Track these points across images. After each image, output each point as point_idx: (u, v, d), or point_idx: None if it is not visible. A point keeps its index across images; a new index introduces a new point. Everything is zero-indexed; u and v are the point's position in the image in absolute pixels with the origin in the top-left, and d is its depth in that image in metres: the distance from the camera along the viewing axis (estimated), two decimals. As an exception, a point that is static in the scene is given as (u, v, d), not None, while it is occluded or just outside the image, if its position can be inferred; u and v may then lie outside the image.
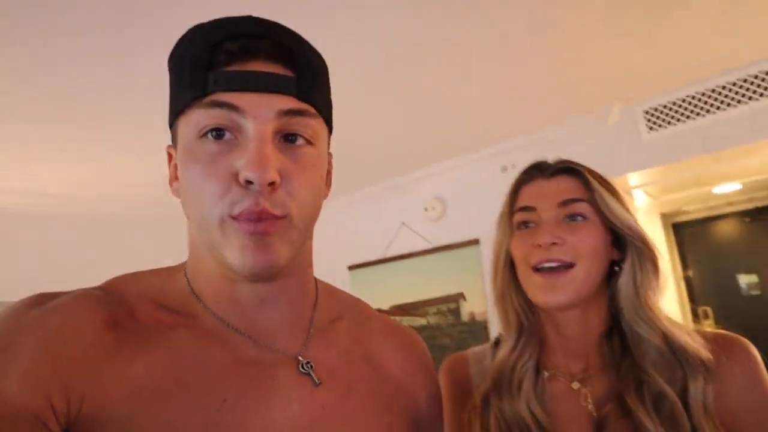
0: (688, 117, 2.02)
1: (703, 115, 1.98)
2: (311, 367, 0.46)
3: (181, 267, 0.50)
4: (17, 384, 0.35)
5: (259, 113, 0.39)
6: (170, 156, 0.47)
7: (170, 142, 0.47)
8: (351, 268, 3.24)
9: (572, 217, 0.61)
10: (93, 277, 0.52)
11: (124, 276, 0.47)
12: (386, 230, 3.08)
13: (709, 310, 3.84)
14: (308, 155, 0.43)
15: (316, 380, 0.46)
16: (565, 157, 0.70)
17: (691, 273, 3.98)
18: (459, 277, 2.70)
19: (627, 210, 0.63)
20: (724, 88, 1.94)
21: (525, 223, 0.64)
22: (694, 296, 3.93)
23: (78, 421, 0.37)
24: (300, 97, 0.41)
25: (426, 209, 2.83)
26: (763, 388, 0.57)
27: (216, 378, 0.41)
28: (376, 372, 0.51)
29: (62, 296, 0.42)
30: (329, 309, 0.53)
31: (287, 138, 0.41)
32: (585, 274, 0.59)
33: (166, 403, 0.39)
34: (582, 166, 0.66)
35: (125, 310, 0.42)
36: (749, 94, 1.89)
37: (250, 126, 0.39)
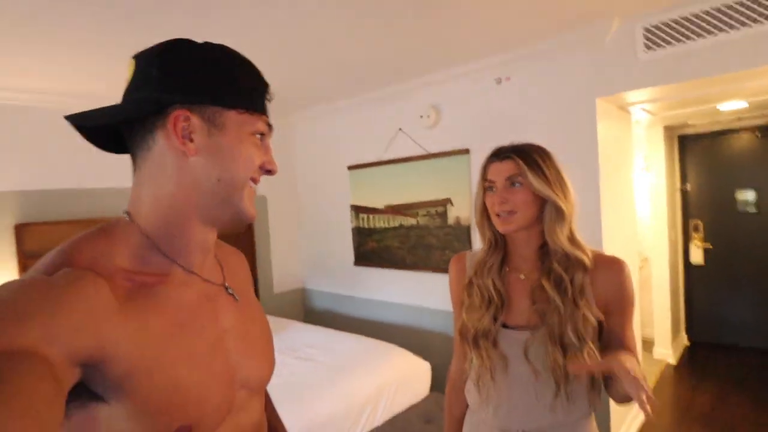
0: (687, 38, 1.92)
1: (704, 37, 1.89)
2: (232, 290, 0.69)
3: (123, 228, 0.58)
4: (39, 333, 0.42)
5: (271, 131, 0.66)
6: (178, 118, 0.56)
7: (178, 107, 0.57)
8: (350, 168, 3.41)
9: (513, 184, 0.99)
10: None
11: (72, 250, 0.52)
12: (384, 135, 3.18)
13: (700, 223, 3.96)
14: None
15: (237, 297, 0.69)
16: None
17: (689, 186, 4.01)
18: (448, 183, 2.85)
19: (544, 179, 0.97)
20: (729, 8, 1.81)
21: (490, 188, 1.03)
22: (688, 209, 4.02)
23: (96, 364, 0.47)
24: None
25: (422, 116, 2.88)
26: (624, 289, 0.97)
27: (194, 312, 0.60)
28: (245, 282, 0.77)
29: (63, 272, 0.49)
30: (216, 247, 0.73)
31: None
32: (522, 216, 0.98)
33: (170, 338, 0.55)
34: (520, 151, 1.00)
35: (108, 281, 0.52)
36: (754, 15, 1.78)
37: (268, 139, 0.65)
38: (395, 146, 3.12)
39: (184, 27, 1.84)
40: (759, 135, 3.63)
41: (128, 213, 0.59)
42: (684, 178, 4.01)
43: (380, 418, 2.22)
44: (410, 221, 3.08)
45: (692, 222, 3.98)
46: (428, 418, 2.25)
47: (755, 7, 1.77)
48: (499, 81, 2.53)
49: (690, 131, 3.90)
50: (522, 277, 1.03)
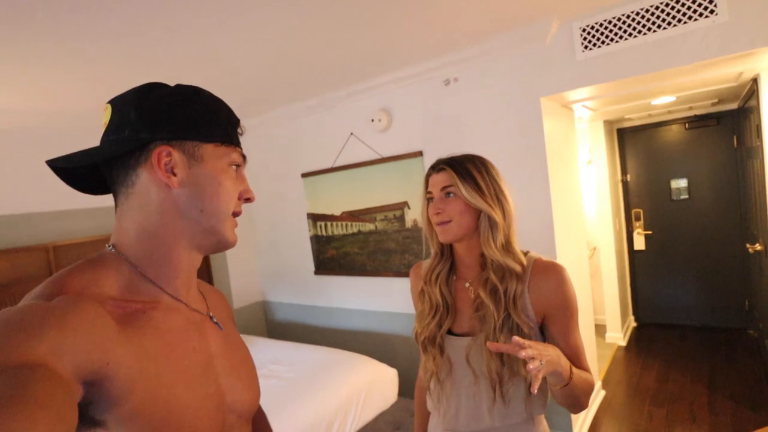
0: (620, 38, 2.03)
1: (635, 36, 2.00)
2: (216, 319, 0.72)
3: (110, 259, 0.60)
4: (48, 348, 0.43)
5: (245, 163, 0.71)
6: (161, 154, 0.60)
7: (160, 143, 0.60)
8: (304, 175, 3.35)
9: (447, 195, 1.02)
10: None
11: (65, 280, 0.55)
12: (337, 140, 3.14)
13: (641, 212, 4.21)
14: None
15: (221, 327, 0.72)
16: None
17: (629, 177, 4.25)
18: (404, 186, 2.85)
19: (476, 190, 0.99)
20: (656, 8, 1.93)
21: (430, 199, 1.06)
22: (630, 199, 4.26)
23: (100, 381, 0.48)
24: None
25: (373, 120, 2.86)
26: (562, 294, 0.97)
27: (184, 336, 0.63)
28: (228, 318, 0.80)
29: (61, 298, 0.51)
30: (198, 283, 0.77)
31: None
32: (458, 224, 1.00)
33: (166, 360, 0.58)
34: (454, 162, 1.03)
35: (102, 306, 0.53)
36: (679, 16, 1.90)
37: (243, 169, 0.69)
38: (348, 151, 3.09)
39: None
40: (687, 126, 3.91)
41: (113, 245, 0.62)
42: (624, 170, 4.24)
43: (350, 428, 2.18)
44: (368, 227, 3.06)
45: (634, 211, 4.22)
46: (397, 424, 2.23)
47: (679, 8, 1.89)
48: (447, 82, 2.56)
49: (627, 125, 4.14)
50: (467, 285, 1.05)
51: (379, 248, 3.03)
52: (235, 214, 0.67)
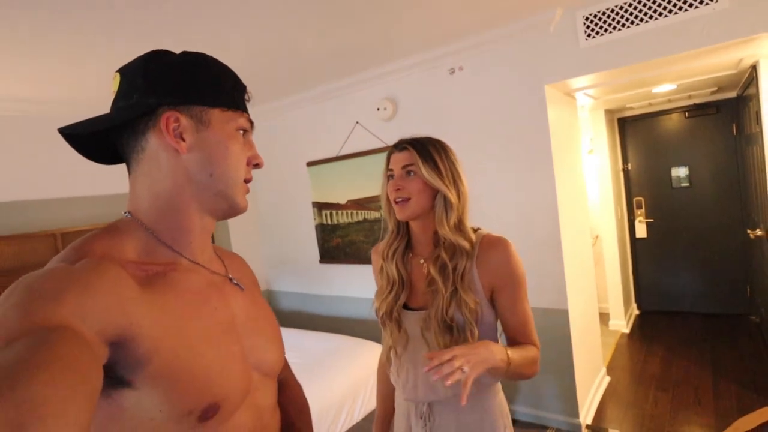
0: (623, 26, 2.06)
1: (637, 24, 2.03)
2: (236, 280, 0.73)
3: (127, 225, 0.61)
4: (71, 311, 0.44)
5: (253, 129, 0.70)
6: (169, 119, 0.60)
7: (169, 109, 0.61)
8: (309, 164, 3.38)
9: (408, 173, 1.06)
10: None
11: (86, 245, 0.56)
12: (342, 129, 3.17)
13: (642, 200, 4.24)
14: None
15: (242, 287, 0.73)
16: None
17: (630, 165, 4.29)
18: (409, 175, 2.89)
19: (435, 171, 1.03)
20: (658, -5, 1.96)
21: (390, 176, 1.09)
22: (631, 187, 4.29)
23: (124, 342, 0.49)
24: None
25: (378, 109, 2.90)
26: (508, 266, 1.02)
27: (205, 296, 0.64)
28: (250, 281, 0.80)
29: (83, 261, 0.52)
30: (217, 249, 0.78)
31: None
32: (415, 203, 1.04)
33: (188, 319, 0.59)
34: (416, 143, 1.06)
35: (123, 269, 0.54)
36: (680, 3, 1.93)
37: (250, 135, 0.70)
38: (353, 140, 3.12)
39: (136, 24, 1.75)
40: (687, 115, 3.94)
41: (129, 212, 0.63)
42: (625, 158, 4.28)
43: (359, 413, 2.23)
44: (374, 214, 3.10)
45: (635, 199, 4.26)
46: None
47: (681, -6, 1.92)
48: (452, 71, 2.59)
49: (628, 114, 4.17)
50: (422, 261, 1.09)
51: (385, 236, 3.06)
52: (246, 181, 0.67)
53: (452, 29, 2.30)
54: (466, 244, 1.02)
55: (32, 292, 0.44)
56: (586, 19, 2.14)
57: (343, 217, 3.28)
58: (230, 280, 0.71)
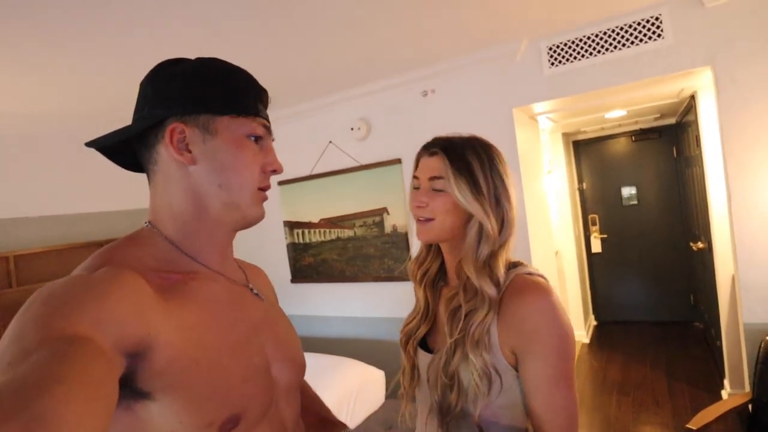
0: (582, 56, 2.26)
1: (595, 55, 2.23)
2: (256, 290, 0.72)
3: (147, 235, 0.62)
4: (88, 321, 0.43)
5: (270, 134, 0.67)
6: (174, 131, 0.59)
7: (175, 120, 0.60)
8: (281, 183, 3.37)
9: (435, 187, 0.82)
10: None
11: (107, 254, 0.56)
12: (315, 148, 3.20)
13: (596, 217, 4.53)
14: None
15: (263, 298, 0.72)
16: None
17: (585, 185, 4.58)
18: (383, 193, 2.95)
19: (472, 188, 0.79)
20: (613, 32, 2.17)
21: (415, 186, 0.87)
22: (586, 205, 4.58)
23: (142, 352, 0.48)
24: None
25: (353, 129, 2.96)
26: (538, 326, 0.72)
27: (226, 306, 0.63)
28: (270, 293, 0.79)
29: (103, 269, 0.51)
30: (237, 260, 0.78)
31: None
32: (440, 225, 0.82)
33: (208, 328, 0.58)
34: (451, 147, 0.82)
35: (143, 277, 0.53)
36: (632, 39, 2.15)
37: (269, 140, 0.66)
38: (327, 159, 3.16)
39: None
40: (633, 138, 4.29)
41: (149, 222, 0.63)
42: (580, 178, 4.57)
43: None
44: (347, 233, 3.12)
45: (590, 216, 4.54)
46: (389, 424, 2.29)
47: (632, 32, 2.14)
48: (425, 93, 2.71)
49: (581, 137, 4.48)
50: (445, 291, 0.89)
51: (358, 254, 3.09)
52: (263, 189, 0.64)
53: (425, 54, 2.42)
54: (491, 291, 0.76)
55: (50, 303, 0.44)
56: (550, 49, 2.32)
57: (315, 236, 3.28)
58: (251, 290, 0.70)
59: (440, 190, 0.81)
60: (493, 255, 0.79)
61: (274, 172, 0.65)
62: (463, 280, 0.81)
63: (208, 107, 0.60)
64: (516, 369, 0.75)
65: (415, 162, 0.88)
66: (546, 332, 0.71)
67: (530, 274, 0.78)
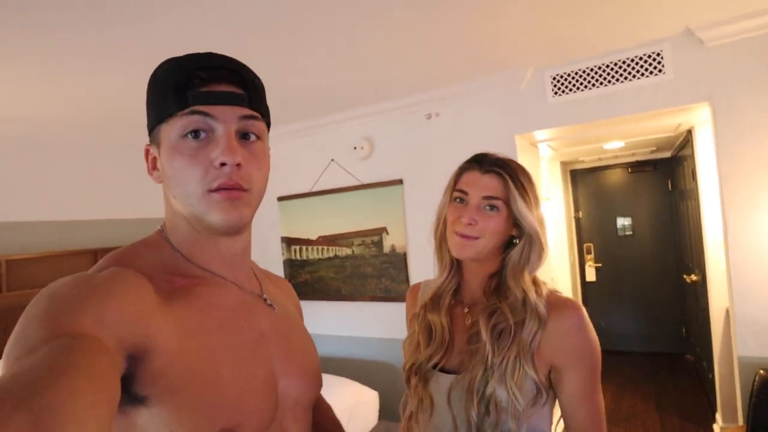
0: (586, 87, 2.32)
1: (598, 87, 2.29)
2: (270, 301, 0.69)
3: (157, 240, 0.62)
4: (91, 319, 0.44)
5: (225, 118, 0.55)
6: (147, 152, 0.62)
7: (148, 142, 0.62)
8: (280, 198, 3.37)
9: (489, 207, 0.83)
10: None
11: (117, 255, 0.57)
12: (316, 165, 3.21)
13: (592, 246, 4.57)
14: (259, 148, 0.60)
15: (276, 308, 0.69)
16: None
17: (581, 214, 4.63)
18: (383, 212, 2.95)
19: (531, 207, 0.83)
20: (616, 65, 2.24)
21: (460, 199, 0.87)
22: (582, 234, 4.62)
23: (140, 354, 0.47)
24: (251, 107, 0.58)
25: (356, 148, 2.98)
26: (582, 343, 0.78)
27: (232, 314, 0.61)
28: (292, 306, 0.78)
29: (108, 270, 0.52)
30: (260, 271, 0.77)
31: (243, 136, 0.58)
32: (485, 244, 0.84)
33: (210, 335, 0.56)
34: (509, 168, 0.85)
35: (149, 280, 0.54)
36: (634, 72, 2.22)
37: (220, 127, 0.55)
38: (328, 177, 3.17)
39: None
40: (629, 170, 4.37)
41: (162, 227, 0.64)
42: (577, 207, 4.63)
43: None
44: (345, 251, 3.11)
45: (585, 245, 4.58)
46: (380, 446, 2.23)
47: (635, 66, 2.21)
48: (429, 116, 2.75)
49: (579, 166, 4.55)
50: (465, 310, 0.88)
51: (356, 273, 3.08)
52: (218, 189, 0.54)
53: (431, 78, 2.47)
54: (542, 306, 0.79)
55: (54, 301, 0.44)
56: (554, 78, 2.38)
57: (313, 253, 3.26)
58: (264, 300, 0.68)
59: (494, 209, 0.83)
60: (535, 271, 0.84)
61: (223, 165, 0.54)
62: (504, 296, 0.82)
63: (154, 118, 0.58)
64: (544, 381, 0.79)
65: (458, 176, 0.88)
66: (584, 347, 0.77)
67: (556, 291, 0.84)
